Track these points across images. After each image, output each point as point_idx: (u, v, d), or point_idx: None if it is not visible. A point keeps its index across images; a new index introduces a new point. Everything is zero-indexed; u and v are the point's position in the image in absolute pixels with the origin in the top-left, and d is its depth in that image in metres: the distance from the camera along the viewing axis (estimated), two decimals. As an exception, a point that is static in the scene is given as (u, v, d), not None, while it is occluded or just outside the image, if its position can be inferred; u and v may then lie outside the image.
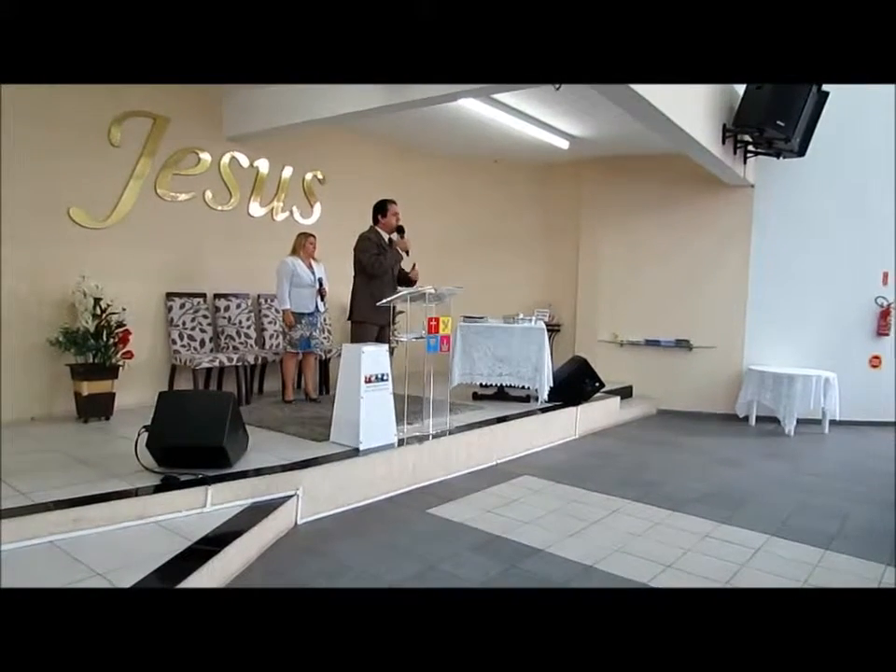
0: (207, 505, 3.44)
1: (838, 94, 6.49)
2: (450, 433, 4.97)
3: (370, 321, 5.26)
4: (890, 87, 6.82)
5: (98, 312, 5.00)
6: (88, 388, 4.94)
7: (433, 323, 4.83)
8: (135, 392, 5.46)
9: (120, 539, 3.05)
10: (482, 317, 6.47)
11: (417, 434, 4.78)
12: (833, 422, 6.93)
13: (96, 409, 5.01)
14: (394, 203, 5.42)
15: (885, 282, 7.32)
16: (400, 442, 4.56)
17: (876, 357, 7.39)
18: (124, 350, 5.14)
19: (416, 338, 4.83)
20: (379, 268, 5.25)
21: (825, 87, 6.38)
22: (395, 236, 5.40)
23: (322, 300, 5.85)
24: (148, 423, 3.70)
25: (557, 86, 5.22)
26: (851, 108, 6.92)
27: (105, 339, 5.00)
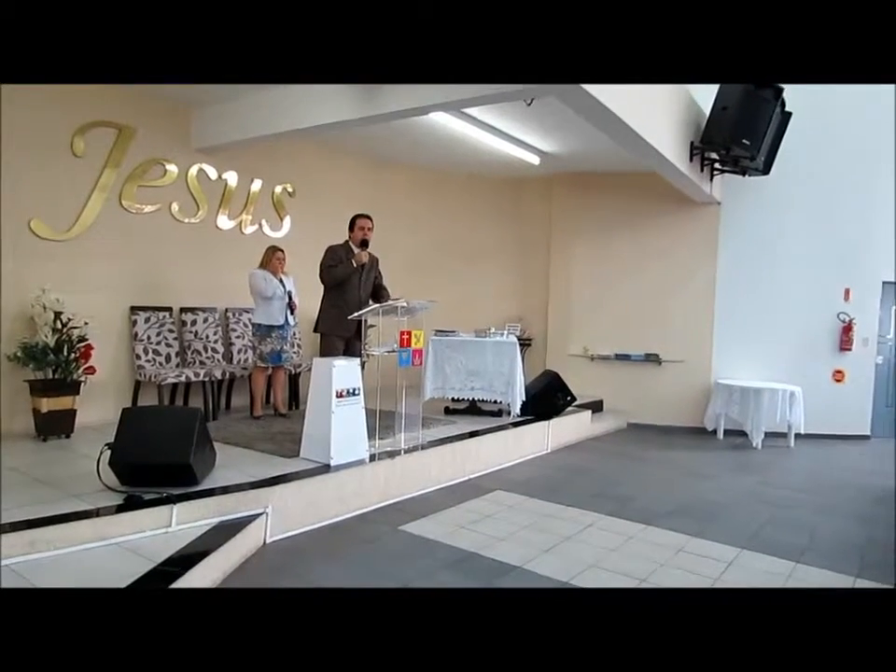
0: (172, 524, 3.33)
1: (801, 114, 6.67)
2: (422, 448, 4.91)
3: (332, 333, 5.23)
4: (853, 106, 7.03)
5: (59, 326, 4.85)
6: (47, 405, 4.77)
7: (405, 337, 4.79)
8: (98, 409, 5.29)
9: (80, 561, 2.93)
10: (453, 331, 6.45)
11: (389, 449, 4.71)
12: (798, 435, 7.05)
13: (56, 426, 4.84)
14: (364, 217, 5.38)
15: (847, 298, 7.50)
16: (372, 458, 4.49)
17: (839, 372, 7.55)
18: (86, 365, 4.98)
19: (388, 352, 4.78)
20: (330, 279, 5.24)
21: (788, 107, 6.55)
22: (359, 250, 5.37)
23: (292, 313, 5.77)
24: (111, 440, 3.58)
25: (528, 101, 5.26)
26: (814, 128, 7.11)
27: (65, 354, 4.84)
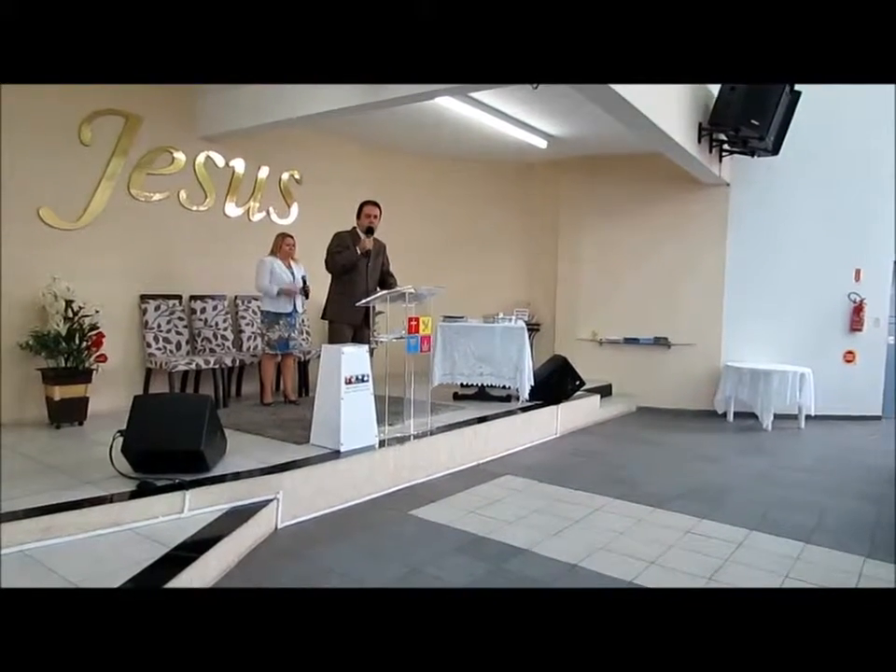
0: (185, 510, 3.37)
1: (810, 94, 6.57)
2: (431, 434, 4.93)
3: (340, 320, 5.24)
4: (862, 86, 6.93)
5: (70, 314, 4.89)
6: (60, 393, 4.83)
7: (413, 323, 4.79)
8: (110, 396, 5.34)
9: (95, 547, 2.97)
10: (462, 317, 6.45)
11: (398, 435, 4.74)
12: (808, 417, 7.02)
13: (69, 414, 4.90)
14: (371, 204, 5.36)
15: (857, 278, 7.44)
16: (382, 444, 4.52)
17: (850, 353, 7.50)
18: (98, 353, 5.03)
19: (397, 338, 4.79)
20: (333, 265, 5.25)
21: (797, 86, 6.46)
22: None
23: (306, 297, 5.82)
24: (123, 427, 3.62)
25: (535, 85, 5.21)
26: (823, 107, 7.01)
27: (77, 342, 4.89)
